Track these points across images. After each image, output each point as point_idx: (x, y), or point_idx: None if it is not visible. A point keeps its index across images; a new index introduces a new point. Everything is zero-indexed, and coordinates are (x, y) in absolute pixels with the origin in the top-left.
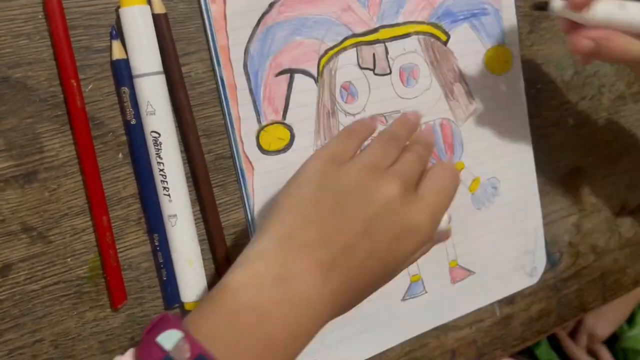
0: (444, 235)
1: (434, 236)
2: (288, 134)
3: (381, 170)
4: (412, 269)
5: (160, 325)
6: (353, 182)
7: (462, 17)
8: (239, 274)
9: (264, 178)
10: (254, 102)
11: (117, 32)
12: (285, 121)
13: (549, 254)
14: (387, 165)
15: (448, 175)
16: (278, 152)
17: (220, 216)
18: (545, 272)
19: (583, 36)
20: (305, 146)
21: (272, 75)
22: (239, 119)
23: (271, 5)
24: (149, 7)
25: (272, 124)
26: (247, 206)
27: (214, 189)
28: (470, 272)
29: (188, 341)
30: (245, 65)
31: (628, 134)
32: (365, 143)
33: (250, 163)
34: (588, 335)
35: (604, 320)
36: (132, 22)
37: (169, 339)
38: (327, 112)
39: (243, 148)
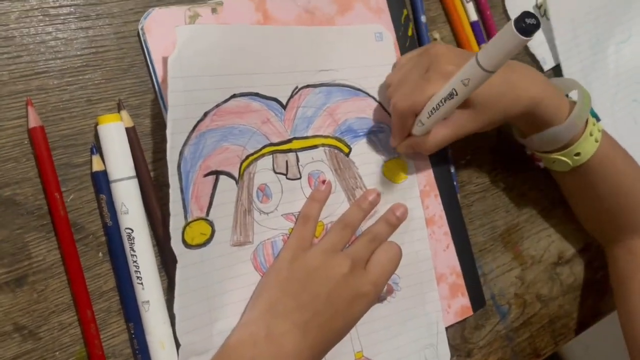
0: (388, 292)
1: (379, 297)
2: (210, 229)
3: (336, 252)
4: None
5: None
6: (316, 263)
7: (362, 133)
8: (236, 336)
9: (185, 271)
10: (183, 200)
11: (96, 147)
12: (208, 217)
13: (498, 307)
14: (342, 247)
15: (391, 250)
16: (199, 246)
17: None
18: (497, 324)
19: (404, 145)
20: (222, 241)
21: (201, 175)
22: (168, 215)
23: (205, 114)
24: (122, 123)
25: (196, 220)
26: None
27: None
28: None
29: None
30: (179, 166)
31: (555, 189)
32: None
33: (175, 257)
34: None
35: None
36: (109, 136)
37: None
38: (244, 210)
39: (169, 242)
